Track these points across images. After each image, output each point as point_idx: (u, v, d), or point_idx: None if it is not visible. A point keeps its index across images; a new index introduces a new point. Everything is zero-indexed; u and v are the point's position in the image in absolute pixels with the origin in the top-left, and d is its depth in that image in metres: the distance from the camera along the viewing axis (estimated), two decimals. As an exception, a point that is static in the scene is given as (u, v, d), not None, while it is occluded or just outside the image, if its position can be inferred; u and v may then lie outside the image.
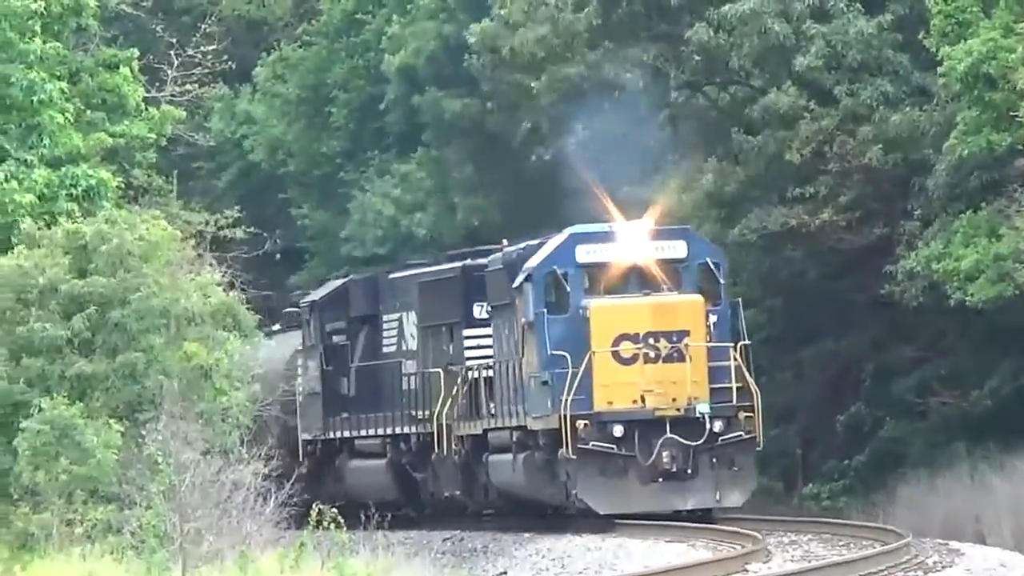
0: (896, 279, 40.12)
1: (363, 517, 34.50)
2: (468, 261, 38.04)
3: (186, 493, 28.89)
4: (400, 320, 40.38)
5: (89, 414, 33.64)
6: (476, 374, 36.75)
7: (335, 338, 42.75)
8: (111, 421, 33.50)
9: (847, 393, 46.76)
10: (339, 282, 44.84)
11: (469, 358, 36.96)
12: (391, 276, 42.06)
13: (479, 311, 36.80)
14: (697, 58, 46.15)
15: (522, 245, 36.41)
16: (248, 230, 52.36)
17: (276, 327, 49.70)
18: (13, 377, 35.59)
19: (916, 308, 40.80)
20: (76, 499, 32.13)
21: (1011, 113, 38.13)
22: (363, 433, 42.10)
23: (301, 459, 43.50)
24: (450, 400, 36.95)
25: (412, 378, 39.27)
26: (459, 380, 37.00)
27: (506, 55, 50.77)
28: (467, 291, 37.17)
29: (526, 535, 35.67)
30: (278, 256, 61.50)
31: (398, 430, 40.16)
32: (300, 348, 44.58)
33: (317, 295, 45.54)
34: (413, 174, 61.25)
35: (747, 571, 24.88)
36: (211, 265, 40.15)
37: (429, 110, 59.83)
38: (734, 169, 44.97)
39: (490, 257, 37.50)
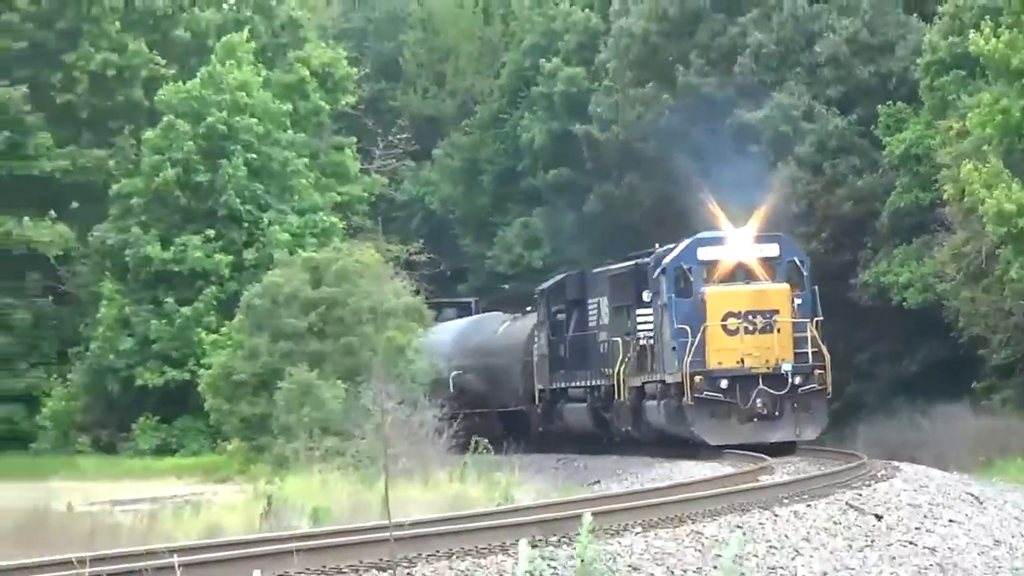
0: (858, 287, 41.67)
1: (504, 444, 35.04)
2: (638, 260, 36.42)
3: (387, 429, 30.22)
4: (598, 303, 38.77)
5: (322, 377, 34.81)
6: (643, 342, 35.06)
7: (557, 316, 41.39)
8: (337, 382, 34.68)
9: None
10: (560, 277, 42.73)
11: (640, 330, 35.17)
12: (593, 272, 40.42)
13: (647, 296, 34.91)
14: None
15: (665, 248, 35.08)
16: (428, 256, 55.20)
17: (521, 313, 46.98)
18: (271, 352, 36.75)
19: (870, 307, 42.08)
20: (315, 434, 33.02)
21: (932, 180, 39.51)
22: (573, 385, 40.19)
23: (537, 403, 42.19)
24: (626, 361, 35.61)
25: (603, 345, 37.74)
26: (631, 347, 35.48)
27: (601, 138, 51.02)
28: (638, 282, 35.58)
29: (648, 459, 35.22)
30: (448, 273, 61.15)
31: (594, 382, 38.48)
32: (535, 324, 42.68)
33: (545, 285, 43.20)
34: (534, 222, 59.84)
35: (758, 480, 24.97)
36: (403, 279, 40.58)
37: (546, 178, 58.49)
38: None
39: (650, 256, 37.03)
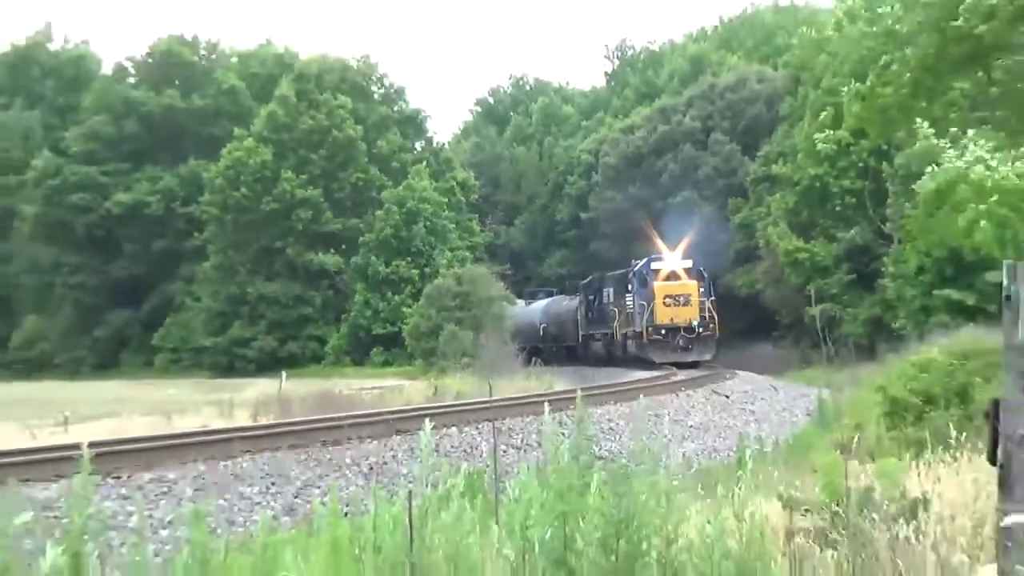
0: (729, 285, 46.01)
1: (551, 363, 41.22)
2: (625, 270, 40.22)
3: (492, 354, 37.05)
4: (608, 291, 42.12)
5: (462, 329, 40.46)
6: (627, 311, 38.71)
7: (588, 298, 44.59)
8: (469, 332, 40.00)
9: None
10: (588, 279, 46.35)
11: (626, 305, 38.90)
12: (605, 275, 43.88)
13: (629, 288, 38.88)
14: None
15: (636, 263, 39.17)
16: (510, 271, 61.06)
17: (570, 297, 51.44)
18: (437, 317, 42.19)
19: (735, 295, 46.39)
20: (458, 356, 38.29)
21: (755, 236, 43.72)
22: (596, 333, 43.59)
23: (579, 342, 45.71)
24: (619, 320, 39.54)
25: (609, 312, 40.87)
26: (622, 313, 39.34)
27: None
28: (626, 281, 39.32)
29: (625, 370, 36.87)
30: (521, 278, 65.36)
31: (605, 332, 41.71)
32: (578, 302, 46.34)
33: (582, 282, 47.19)
34: (566, 254, 66.54)
35: (670, 379, 28.73)
36: (500, 282, 48.12)
37: (570, 232, 65.72)
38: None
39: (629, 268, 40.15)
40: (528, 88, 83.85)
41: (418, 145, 66.22)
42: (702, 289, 37.23)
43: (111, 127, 66.25)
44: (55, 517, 9.32)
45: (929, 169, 13.82)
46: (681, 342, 36.33)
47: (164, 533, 10.44)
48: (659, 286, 37.00)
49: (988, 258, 16.84)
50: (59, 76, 74.48)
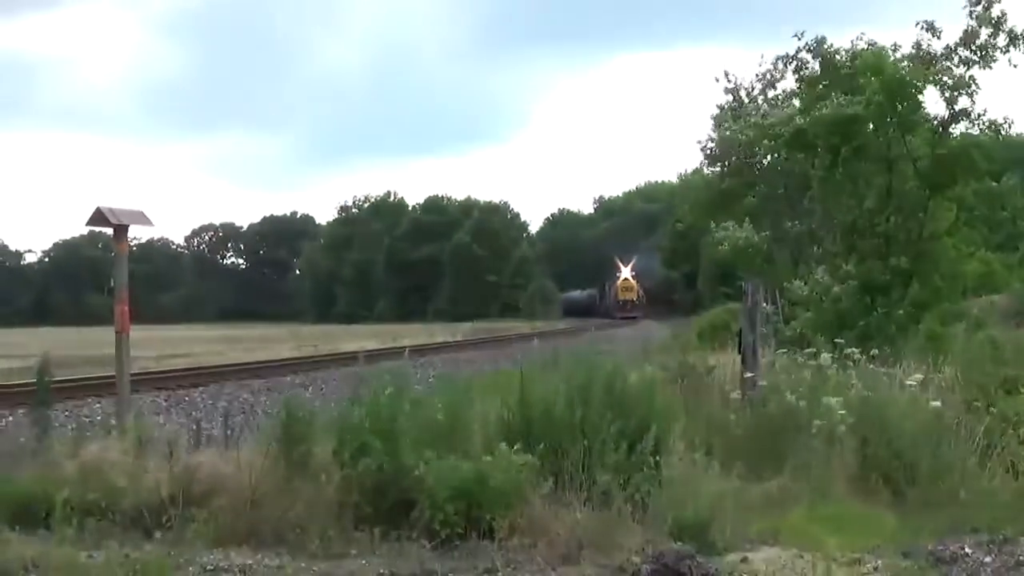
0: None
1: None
2: (609, 279, 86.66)
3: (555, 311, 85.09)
4: (605, 286, 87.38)
5: None
6: (608, 294, 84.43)
7: (600, 290, 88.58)
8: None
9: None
10: (600, 283, 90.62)
11: (607, 292, 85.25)
12: (605, 281, 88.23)
13: (608, 286, 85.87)
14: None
15: (611, 277, 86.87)
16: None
17: (589, 293, 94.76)
18: None
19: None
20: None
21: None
22: (601, 306, 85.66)
23: (597, 312, 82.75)
24: (608, 299, 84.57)
25: (604, 295, 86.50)
26: (609, 298, 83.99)
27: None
28: (607, 282, 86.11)
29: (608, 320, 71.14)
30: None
31: (603, 303, 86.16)
32: (595, 291, 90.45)
33: (598, 285, 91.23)
34: None
35: (616, 325, 59.91)
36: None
37: None
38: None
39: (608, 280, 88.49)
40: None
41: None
42: (641, 287, 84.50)
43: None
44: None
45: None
46: (628, 308, 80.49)
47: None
48: (619, 284, 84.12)
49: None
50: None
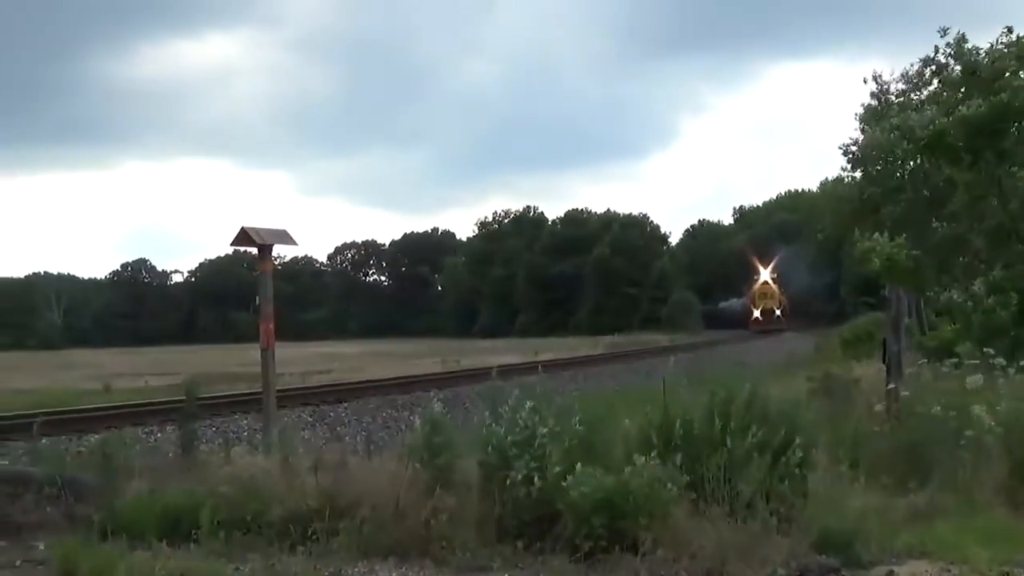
0: None
1: None
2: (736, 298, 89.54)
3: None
4: (738, 301, 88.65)
5: None
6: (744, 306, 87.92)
7: (737, 303, 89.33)
8: None
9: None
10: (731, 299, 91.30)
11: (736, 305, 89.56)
12: (731, 298, 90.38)
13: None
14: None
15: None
16: None
17: None
18: None
19: None
20: None
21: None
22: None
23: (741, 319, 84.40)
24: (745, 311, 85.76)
25: (741, 308, 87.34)
26: (745, 308, 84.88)
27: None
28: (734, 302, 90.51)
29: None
30: None
31: (743, 316, 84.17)
32: (740, 303, 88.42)
33: (732, 299, 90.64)
34: None
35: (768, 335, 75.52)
36: None
37: None
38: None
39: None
40: None
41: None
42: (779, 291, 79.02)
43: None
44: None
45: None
46: (767, 319, 75.84)
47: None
48: (756, 289, 79.34)
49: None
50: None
